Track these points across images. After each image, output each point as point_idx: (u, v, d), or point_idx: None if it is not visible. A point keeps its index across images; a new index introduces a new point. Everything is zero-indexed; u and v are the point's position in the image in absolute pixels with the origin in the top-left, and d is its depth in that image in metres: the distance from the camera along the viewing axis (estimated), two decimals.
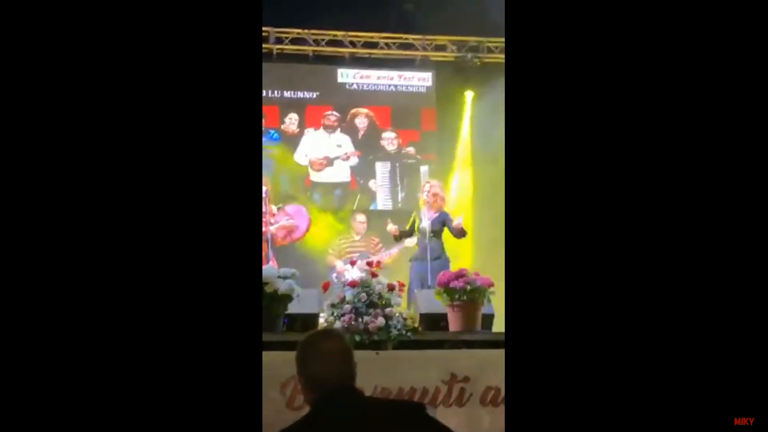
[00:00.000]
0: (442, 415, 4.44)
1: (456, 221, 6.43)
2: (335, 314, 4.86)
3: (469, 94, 9.46)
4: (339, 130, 9.28)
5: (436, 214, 6.51)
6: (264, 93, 9.13)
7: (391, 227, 6.79)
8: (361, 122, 9.38)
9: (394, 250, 7.49)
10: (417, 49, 9.51)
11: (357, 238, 8.17)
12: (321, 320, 5.12)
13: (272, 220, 6.33)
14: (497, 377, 4.39)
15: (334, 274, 7.62)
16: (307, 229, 8.36)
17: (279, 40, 9.14)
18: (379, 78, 9.51)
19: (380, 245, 7.83)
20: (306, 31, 9.18)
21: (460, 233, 6.47)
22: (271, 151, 9.02)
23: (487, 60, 9.49)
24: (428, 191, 6.63)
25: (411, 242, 6.89)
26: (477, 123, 9.31)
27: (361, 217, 8.31)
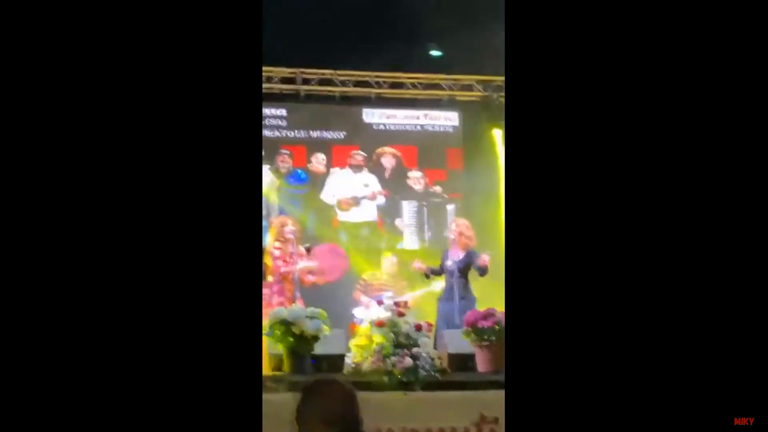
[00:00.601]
0: None
1: (480, 258, 6.35)
2: (363, 354, 4.85)
3: (497, 132, 9.45)
4: (366, 169, 9.31)
5: (463, 254, 6.46)
6: (291, 133, 9.22)
7: (419, 264, 6.72)
8: (387, 162, 9.41)
9: (419, 293, 7.42)
10: (443, 89, 9.55)
11: (385, 277, 8.10)
12: (348, 360, 5.10)
13: (299, 261, 6.30)
14: None
15: (355, 310, 7.54)
16: (346, 268, 8.27)
17: (306, 81, 9.24)
18: (405, 118, 9.55)
19: (407, 286, 7.75)
20: (333, 71, 9.27)
21: (481, 271, 6.39)
22: (298, 191, 9.07)
23: None
24: (455, 230, 6.59)
25: (437, 287, 6.87)
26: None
27: (393, 258, 8.22)
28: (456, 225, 6.71)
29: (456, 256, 6.44)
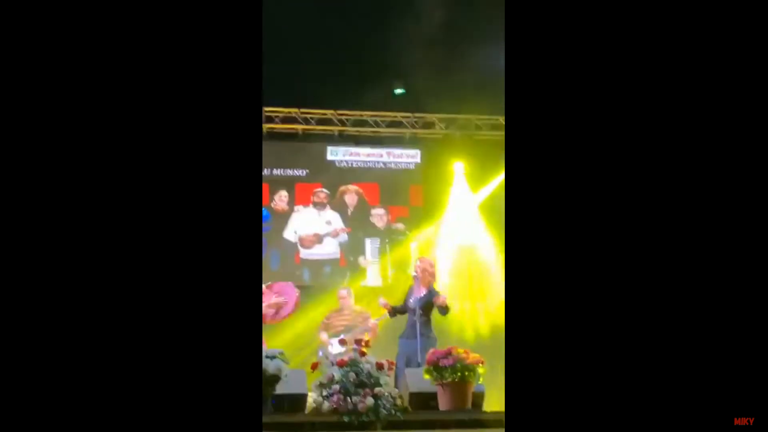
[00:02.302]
0: None
1: (440, 298, 6.35)
2: (324, 394, 4.80)
3: (458, 165, 9.56)
4: (328, 207, 9.33)
5: (425, 291, 6.47)
6: None
7: (383, 301, 6.65)
8: (350, 199, 9.43)
9: (375, 321, 7.40)
10: (405, 127, 9.62)
11: (345, 312, 8.07)
12: (309, 400, 5.06)
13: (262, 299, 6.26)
14: None
15: (321, 352, 7.50)
16: (296, 306, 8.24)
17: (269, 119, 9.26)
18: (368, 155, 9.61)
19: (369, 318, 7.72)
20: (296, 110, 9.30)
21: (442, 310, 6.39)
22: (261, 228, 9.03)
23: (475, 137, 9.61)
24: (419, 266, 6.59)
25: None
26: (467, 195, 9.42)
27: (342, 292, 8.14)
28: (420, 262, 6.71)
29: (419, 293, 6.44)
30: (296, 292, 8.20)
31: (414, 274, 6.61)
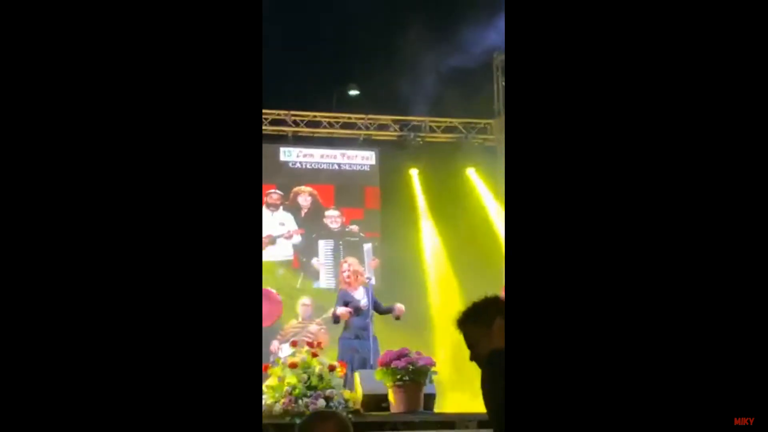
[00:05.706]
0: None
1: (396, 308, 6.28)
2: (275, 396, 4.77)
3: (414, 172, 9.59)
4: (282, 208, 9.27)
5: (364, 290, 6.37)
6: None
7: (342, 310, 6.24)
8: (304, 200, 9.38)
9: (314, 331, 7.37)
10: (360, 129, 9.61)
11: (300, 320, 8.02)
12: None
13: None
14: None
15: (272, 357, 7.45)
16: (280, 314, 8.12)
17: None
18: (322, 156, 9.57)
19: (324, 328, 7.67)
20: None
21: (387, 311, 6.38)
22: None
23: (429, 139, 9.64)
24: (347, 270, 6.51)
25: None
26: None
27: (306, 300, 8.13)
28: (348, 264, 6.54)
29: (361, 294, 6.34)
30: (279, 300, 8.06)
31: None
